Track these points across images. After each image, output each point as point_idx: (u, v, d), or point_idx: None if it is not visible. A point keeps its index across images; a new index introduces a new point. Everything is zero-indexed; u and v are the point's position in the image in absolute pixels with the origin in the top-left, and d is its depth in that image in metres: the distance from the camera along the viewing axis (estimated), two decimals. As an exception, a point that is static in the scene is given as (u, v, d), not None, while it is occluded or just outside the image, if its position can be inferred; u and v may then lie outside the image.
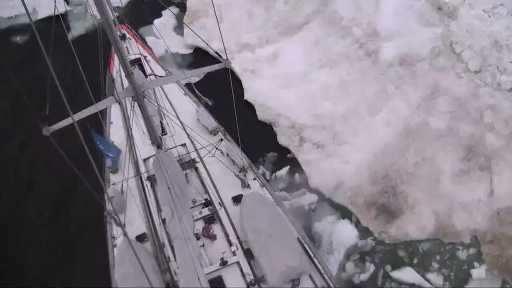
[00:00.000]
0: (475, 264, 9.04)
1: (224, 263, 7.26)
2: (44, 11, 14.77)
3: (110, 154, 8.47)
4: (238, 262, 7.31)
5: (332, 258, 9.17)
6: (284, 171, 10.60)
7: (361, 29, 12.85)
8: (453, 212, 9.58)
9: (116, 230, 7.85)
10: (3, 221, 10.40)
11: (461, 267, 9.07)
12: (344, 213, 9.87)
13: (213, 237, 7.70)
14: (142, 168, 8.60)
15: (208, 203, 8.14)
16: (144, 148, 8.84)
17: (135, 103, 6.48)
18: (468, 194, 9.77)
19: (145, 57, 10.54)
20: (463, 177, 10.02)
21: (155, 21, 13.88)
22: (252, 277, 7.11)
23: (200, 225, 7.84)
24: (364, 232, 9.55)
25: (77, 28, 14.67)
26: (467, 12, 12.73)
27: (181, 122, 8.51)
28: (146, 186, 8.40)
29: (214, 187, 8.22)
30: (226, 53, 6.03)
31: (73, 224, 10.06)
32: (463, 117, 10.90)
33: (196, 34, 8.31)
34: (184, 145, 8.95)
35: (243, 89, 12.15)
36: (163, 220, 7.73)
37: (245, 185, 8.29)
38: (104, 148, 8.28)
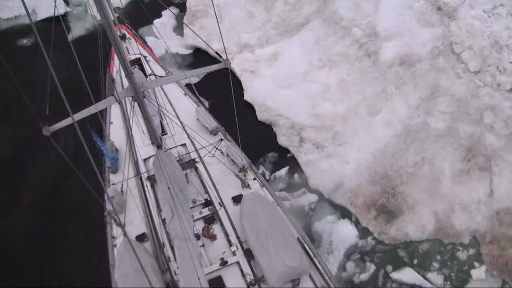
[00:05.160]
0: (475, 264, 9.04)
1: (224, 263, 7.26)
2: (44, 12, 14.79)
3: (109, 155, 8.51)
4: (238, 262, 7.32)
5: (332, 258, 9.17)
6: (284, 171, 10.61)
7: (361, 29, 12.87)
8: (453, 212, 9.58)
9: (116, 230, 7.86)
10: (1, 221, 10.41)
11: (461, 267, 9.07)
12: (344, 213, 9.87)
13: (213, 237, 7.71)
14: (142, 168, 8.60)
15: (208, 203, 8.15)
16: (144, 148, 8.85)
17: (135, 103, 6.48)
18: (468, 194, 9.77)
19: (145, 57, 10.54)
20: (463, 177, 10.02)
21: (155, 21, 13.90)
22: (252, 277, 7.11)
23: (200, 225, 7.84)
24: (364, 232, 9.55)
25: (77, 29, 14.68)
26: (467, 12, 12.75)
27: (181, 122, 8.52)
28: (146, 186, 8.40)
29: (214, 187, 8.23)
30: (226, 53, 6.04)
31: (73, 224, 10.06)
32: (463, 117, 10.91)
33: (196, 34, 8.37)
34: (184, 145, 8.95)
35: (243, 89, 12.15)
36: (163, 220, 7.73)
37: (245, 185, 8.30)
38: (104, 150, 8.31)
